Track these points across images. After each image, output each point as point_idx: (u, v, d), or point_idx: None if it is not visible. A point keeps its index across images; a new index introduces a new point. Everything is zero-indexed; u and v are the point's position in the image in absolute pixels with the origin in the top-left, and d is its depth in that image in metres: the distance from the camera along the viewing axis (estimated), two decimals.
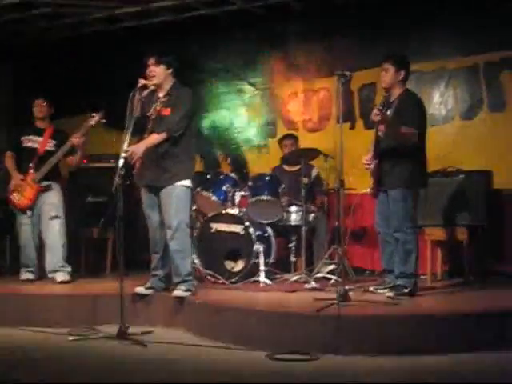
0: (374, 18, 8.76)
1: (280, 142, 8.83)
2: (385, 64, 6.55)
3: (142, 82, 6.52)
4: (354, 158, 7.05)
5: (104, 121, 7.83)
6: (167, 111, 6.58)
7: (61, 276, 7.80)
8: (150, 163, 6.56)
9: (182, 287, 6.54)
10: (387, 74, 6.53)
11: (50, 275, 7.88)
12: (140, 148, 6.43)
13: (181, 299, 6.50)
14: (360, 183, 7.44)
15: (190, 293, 6.55)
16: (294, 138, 8.77)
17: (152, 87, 6.60)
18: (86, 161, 8.97)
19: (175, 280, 6.64)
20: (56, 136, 8.09)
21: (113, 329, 6.03)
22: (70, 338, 6.10)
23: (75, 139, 7.76)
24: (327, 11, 8.97)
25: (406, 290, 6.32)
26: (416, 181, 6.47)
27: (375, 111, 6.24)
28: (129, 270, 6.56)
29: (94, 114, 7.77)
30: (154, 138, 6.48)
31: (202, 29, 9.69)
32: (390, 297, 6.27)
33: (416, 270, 6.46)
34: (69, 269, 7.90)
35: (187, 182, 6.62)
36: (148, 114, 6.63)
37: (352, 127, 8.88)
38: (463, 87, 8.48)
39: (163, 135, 6.46)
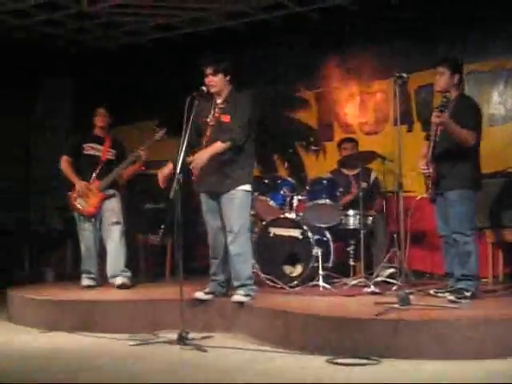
0: (431, 19, 8.69)
1: (339, 145, 8.78)
2: (440, 68, 6.49)
3: (204, 89, 6.57)
4: (412, 161, 6.98)
5: (166, 137, 7.90)
6: (227, 118, 6.60)
7: (120, 280, 7.87)
8: (210, 169, 6.56)
9: (242, 292, 6.55)
10: (442, 78, 6.46)
11: (110, 280, 7.96)
12: (204, 156, 6.45)
13: (240, 304, 6.51)
14: (418, 186, 7.37)
15: (249, 298, 6.55)
16: (354, 142, 8.71)
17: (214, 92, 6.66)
18: (144, 168, 9.06)
19: (235, 284, 6.65)
20: (115, 146, 8.20)
21: (173, 334, 6.05)
22: (131, 343, 6.15)
23: (142, 152, 7.86)
24: (383, 13, 8.92)
25: (468, 294, 6.23)
26: (473, 182, 6.41)
27: (436, 113, 6.18)
28: (187, 275, 6.58)
29: (157, 129, 7.86)
30: (218, 147, 6.48)
31: (257, 34, 9.73)
32: (451, 300, 6.19)
33: (477, 271, 6.37)
34: (129, 274, 7.97)
35: (248, 187, 6.65)
36: (207, 121, 6.67)
37: (409, 129, 8.80)
38: None
39: (228, 144, 6.47)
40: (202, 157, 6.44)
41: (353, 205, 8.09)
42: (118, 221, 8.00)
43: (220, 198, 6.63)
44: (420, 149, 6.76)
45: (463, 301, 6.14)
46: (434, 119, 6.22)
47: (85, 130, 8.36)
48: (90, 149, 8.10)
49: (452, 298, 6.23)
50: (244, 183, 6.60)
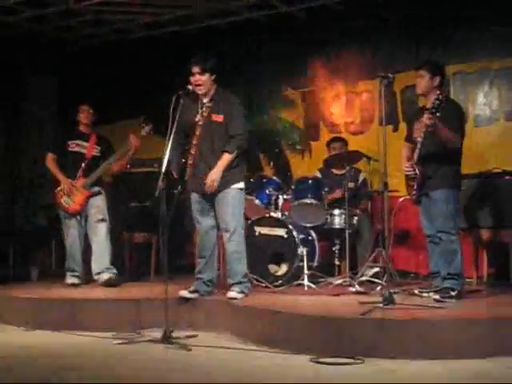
0: (417, 19, 8.70)
1: (328, 144, 8.78)
2: (420, 71, 6.50)
3: (190, 88, 6.57)
4: (398, 161, 6.99)
5: (152, 132, 7.88)
6: (219, 117, 6.62)
7: (106, 275, 7.87)
8: (203, 169, 6.61)
9: (237, 289, 6.61)
10: (422, 81, 6.47)
11: (95, 277, 7.97)
12: (217, 174, 6.51)
13: (230, 300, 6.52)
14: (403, 185, 7.37)
15: (243, 295, 6.61)
16: (343, 141, 8.72)
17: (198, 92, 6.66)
18: (128, 166, 9.06)
19: (230, 281, 6.70)
20: (100, 142, 8.19)
21: (157, 333, 6.06)
22: (115, 341, 6.14)
23: (135, 141, 7.82)
24: (369, 13, 8.93)
25: (454, 293, 6.26)
26: (456, 182, 6.47)
27: (427, 115, 6.18)
28: (172, 273, 6.56)
29: (144, 125, 7.84)
30: (229, 159, 6.54)
31: (244, 33, 9.72)
32: (436, 299, 6.21)
33: (462, 270, 6.39)
34: (114, 271, 7.98)
35: (241, 185, 6.72)
36: (196, 120, 6.67)
37: (395, 129, 8.80)
38: (507, 87, 8.40)
39: (236, 153, 6.53)
40: (214, 177, 6.49)
41: (338, 204, 8.10)
42: (103, 218, 8.00)
43: (213, 197, 6.65)
44: (403, 149, 6.77)
45: (448, 300, 6.17)
46: (426, 121, 6.23)
47: (69, 127, 8.34)
48: (75, 146, 8.08)
49: (437, 297, 6.25)
50: (237, 181, 6.67)
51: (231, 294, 6.58)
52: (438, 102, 6.19)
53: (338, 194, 8.20)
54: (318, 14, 9.18)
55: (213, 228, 6.78)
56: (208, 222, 6.76)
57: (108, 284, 7.81)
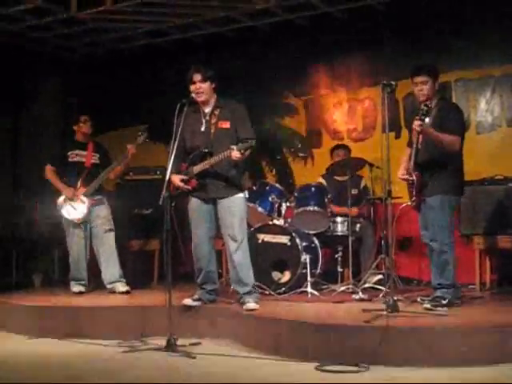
0: (419, 27, 8.72)
1: (332, 151, 8.79)
2: (421, 77, 6.45)
3: (194, 96, 6.59)
4: (398, 169, 6.99)
5: (147, 140, 7.92)
6: (226, 124, 6.63)
7: (121, 287, 7.95)
8: (209, 176, 6.61)
9: (252, 300, 6.58)
10: (425, 87, 6.43)
11: (109, 286, 8.00)
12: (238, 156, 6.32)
13: (249, 312, 6.46)
14: (406, 192, 7.38)
15: (258, 305, 6.56)
16: (346, 149, 8.72)
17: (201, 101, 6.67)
18: (131, 173, 9.12)
19: (242, 291, 6.67)
20: (98, 149, 8.23)
21: (161, 340, 6.05)
22: (120, 350, 6.15)
23: (132, 148, 7.86)
24: (371, 21, 8.94)
25: (445, 302, 6.22)
26: (454, 188, 6.42)
27: (417, 121, 6.20)
28: (175, 281, 6.56)
29: (140, 133, 7.88)
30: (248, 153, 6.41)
31: (246, 40, 9.73)
32: (427, 308, 6.19)
33: (454, 280, 6.36)
34: (124, 280, 8.01)
35: (244, 194, 6.76)
36: (202, 129, 6.67)
37: (397, 136, 8.81)
38: (509, 94, 8.40)
39: (245, 154, 6.35)
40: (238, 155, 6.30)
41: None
42: (111, 228, 8.06)
43: (217, 203, 6.65)
44: (403, 156, 6.78)
45: (439, 309, 6.14)
46: (415, 127, 6.25)
47: (67, 138, 8.37)
48: (75, 156, 8.11)
49: (428, 306, 6.23)
50: (241, 190, 6.70)
51: (250, 305, 6.51)
52: (425, 107, 6.21)
53: (346, 211, 8.02)
54: (321, 21, 9.19)
55: (207, 240, 6.75)
56: (202, 232, 6.74)
57: (123, 294, 7.89)
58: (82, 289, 8.03)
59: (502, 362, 5.15)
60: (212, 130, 6.66)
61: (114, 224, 8.14)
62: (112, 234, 8.06)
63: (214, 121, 6.67)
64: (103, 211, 8.10)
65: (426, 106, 6.22)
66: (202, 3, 8.76)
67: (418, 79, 6.47)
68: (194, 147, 6.66)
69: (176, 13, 9.08)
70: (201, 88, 6.63)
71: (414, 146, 6.44)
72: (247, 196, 6.90)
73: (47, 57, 10.46)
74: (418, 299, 6.70)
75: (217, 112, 6.69)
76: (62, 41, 10.09)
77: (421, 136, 6.39)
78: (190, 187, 6.63)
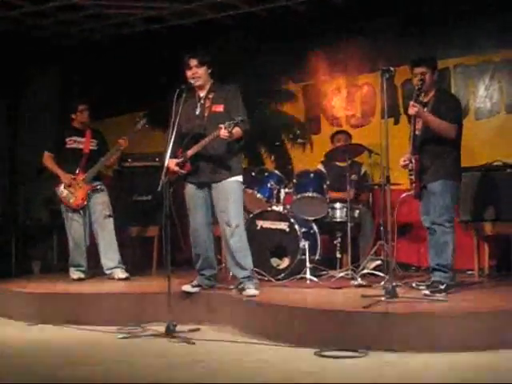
0: (417, 12, 8.70)
1: (332, 137, 8.79)
2: (420, 68, 6.44)
3: (191, 82, 6.59)
4: (399, 154, 6.99)
5: (147, 126, 7.93)
6: (219, 107, 6.61)
7: (120, 273, 7.99)
8: (202, 159, 6.59)
9: (251, 285, 6.56)
10: (425, 78, 6.42)
11: (107, 271, 8.03)
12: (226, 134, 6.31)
13: (249, 298, 6.43)
14: (405, 178, 7.38)
15: (258, 291, 6.55)
16: (347, 135, 8.72)
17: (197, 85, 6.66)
18: (130, 160, 9.12)
19: (240, 276, 6.64)
20: (96, 136, 8.24)
21: (160, 327, 6.07)
22: (119, 336, 6.16)
23: (122, 141, 7.90)
24: (369, 6, 8.92)
25: (443, 287, 6.24)
26: (454, 174, 6.43)
27: (411, 104, 6.22)
28: (174, 267, 6.56)
29: (138, 119, 7.89)
30: (239, 132, 6.40)
31: (244, 27, 9.71)
32: (426, 294, 6.20)
33: (452, 263, 6.37)
34: (124, 266, 8.05)
35: (240, 178, 6.70)
36: (196, 113, 6.66)
37: (396, 122, 8.81)
38: (508, 80, 8.40)
39: (240, 132, 6.39)
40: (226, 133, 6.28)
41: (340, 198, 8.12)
42: (110, 214, 8.09)
43: (212, 188, 6.63)
44: (407, 142, 6.78)
45: (438, 294, 6.15)
46: (410, 111, 6.26)
47: (65, 124, 8.37)
48: (73, 142, 8.12)
49: (427, 292, 6.24)
50: (237, 174, 6.64)
51: (250, 291, 6.48)
52: (417, 90, 6.23)
53: (343, 194, 8.10)
54: (318, 7, 9.17)
55: (204, 226, 6.74)
56: (199, 218, 6.73)
57: (123, 280, 7.92)
58: (82, 275, 8.04)
59: (501, 347, 5.15)
60: (206, 114, 6.64)
61: (112, 210, 8.15)
62: (111, 220, 8.09)
63: (207, 104, 6.66)
64: (102, 197, 8.12)
65: (418, 87, 6.24)
66: None
67: (417, 70, 6.46)
68: (189, 131, 6.65)
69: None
70: (197, 73, 6.62)
71: (412, 131, 6.45)
72: (243, 180, 6.85)
73: (46, 43, 10.43)
74: (414, 284, 6.74)
75: (211, 96, 6.67)
76: (61, 27, 10.06)
77: (419, 122, 6.40)
78: (184, 171, 6.61)
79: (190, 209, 6.79)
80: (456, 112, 6.47)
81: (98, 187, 8.11)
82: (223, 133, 6.23)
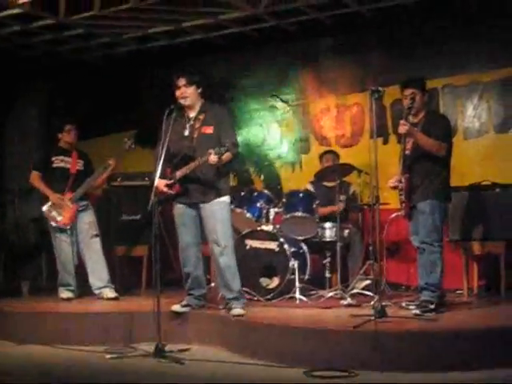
0: (406, 33, 8.76)
1: (321, 157, 8.81)
2: (410, 89, 6.48)
3: (181, 102, 6.59)
4: (388, 173, 7.02)
5: (133, 147, 7.91)
6: (209, 129, 6.61)
7: (109, 293, 7.95)
8: (191, 181, 6.59)
9: (238, 305, 6.56)
10: (415, 99, 6.46)
11: (96, 292, 7.99)
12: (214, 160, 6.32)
13: (236, 317, 6.42)
14: (394, 198, 7.40)
15: (244, 311, 6.53)
16: (335, 154, 8.75)
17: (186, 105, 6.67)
18: (119, 179, 9.11)
19: (228, 296, 6.65)
20: (82, 156, 8.24)
21: (149, 347, 6.05)
22: (108, 356, 6.13)
23: (111, 162, 7.90)
24: (358, 27, 8.97)
25: (432, 306, 6.25)
26: (443, 194, 6.46)
27: (402, 123, 6.24)
28: (163, 287, 6.54)
29: (126, 140, 7.89)
30: (229, 156, 6.41)
31: (233, 47, 9.74)
32: (416, 314, 6.19)
33: (440, 282, 6.38)
34: (113, 285, 8.02)
35: (228, 198, 6.70)
36: (185, 134, 6.67)
37: (385, 142, 8.85)
38: (496, 100, 8.44)
39: (230, 155, 6.41)
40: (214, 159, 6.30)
41: (329, 217, 8.11)
42: (97, 233, 8.06)
43: (200, 209, 6.63)
44: (396, 162, 6.79)
45: (428, 314, 6.16)
46: (401, 129, 6.29)
47: (51, 143, 8.37)
48: (60, 161, 8.10)
49: (417, 311, 6.24)
50: (225, 194, 6.65)
51: (236, 311, 6.48)
52: (408, 108, 6.27)
53: (332, 208, 8.15)
54: (309, 27, 9.21)
55: (193, 245, 6.74)
56: (188, 239, 6.73)
57: (113, 299, 7.89)
58: (71, 295, 8.01)
59: (493, 366, 5.17)
60: (195, 135, 6.64)
61: (100, 230, 8.13)
62: (98, 240, 8.06)
63: (197, 125, 6.66)
64: (89, 217, 8.10)
65: (409, 109, 6.28)
66: (189, 9, 8.75)
67: (407, 91, 6.50)
68: (178, 152, 6.65)
69: (163, 19, 9.07)
70: (185, 92, 6.63)
71: (402, 150, 6.47)
72: (232, 200, 6.85)
73: (35, 61, 10.42)
74: (403, 304, 6.73)
75: (201, 117, 6.68)
76: (50, 46, 10.06)
77: (409, 142, 6.43)
78: (173, 192, 6.61)
79: (178, 228, 6.78)
80: (446, 130, 6.51)
81: (85, 207, 8.09)
82: (212, 158, 6.25)
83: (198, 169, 6.49)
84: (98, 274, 8.00)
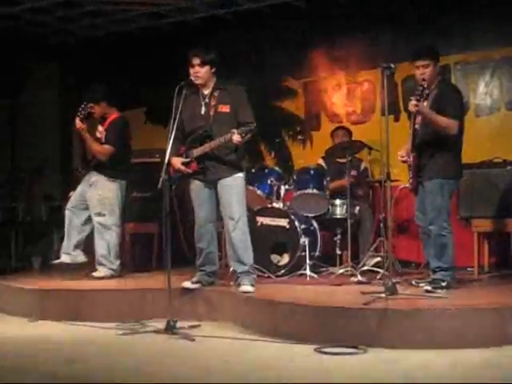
0: (418, 9, 8.70)
1: (332, 133, 8.82)
2: (423, 60, 6.40)
3: (192, 79, 6.57)
4: (399, 150, 7.00)
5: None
6: (226, 108, 6.60)
7: (97, 273, 7.85)
8: (208, 158, 6.60)
9: (248, 281, 6.56)
10: (428, 70, 6.37)
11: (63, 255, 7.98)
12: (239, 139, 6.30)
13: (244, 294, 6.44)
14: (405, 175, 7.39)
15: (254, 287, 6.55)
16: (347, 131, 8.76)
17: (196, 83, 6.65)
18: None
19: (239, 270, 6.66)
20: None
21: (161, 323, 6.08)
22: (119, 332, 6.17)
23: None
24: (370, 3, 8.92)
25: (444, 284, 6.25)
26: (452, 172, 6.40)
27: (413, 101, 6.19)
28: (174, 264, 6.56)
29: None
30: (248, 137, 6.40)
31: (246, 23, 9.71)
32: (427, 290, 6.19)
33: (452, 262, 6.37)
34: (112, 265, 7.90)
35: (243, 174, 6.73)
36: (199, 112, 6.66)
37: (396, 119, 8.81)
38: (508, 77, 8.41)
39: (246, 138, 6.36)
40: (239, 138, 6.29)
41: (340, 193, 8.11)
42: (100, 212, 7.89)
43: (217, 185, 6.65)
44: (406, 139, 6.77)
45: (439, 291, 6.15)
46: (411, 108, 6.23)
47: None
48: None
49: (428, 288, 6.23)
50: (241, 170, 6.68)
51: (245, 288, 6.49)
52: (421, 88, 6.18)
53: (342, 182, 8.16)
54: (319, 3, 9.16)
55: (209, 221, 6.76)
56: (204, 214, 6.75)
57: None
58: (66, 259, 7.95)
59: (503, 343, 5.18)
60: (212, 113, 6.64)
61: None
62: (100, 218, 7.90)
63: (213, 103, 6.65)
64: (95, 194, 7.95)
65: (422, 86, 6.20)
66: None
67: (419, 63, 6.41)
68: (194, 130, 6.65)
69: None
70: (199, 72, 6.60)
71: (412, 127, 6.44)
72: (246, 178, 6.86)
73: (46, 40, 10.43)
74: (413, 282, 6.72)
75: (216, 94, 6.66)
76: (60, 24, 10.05)
77: (419, 118, 6.40)
78: (190, 170, 6.63)
79: (195, 204, 6.81)
80: (457, 107, 6.41)
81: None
82: (236, 138, 6.24)
83: (217, 148, 6.51)
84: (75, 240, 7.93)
